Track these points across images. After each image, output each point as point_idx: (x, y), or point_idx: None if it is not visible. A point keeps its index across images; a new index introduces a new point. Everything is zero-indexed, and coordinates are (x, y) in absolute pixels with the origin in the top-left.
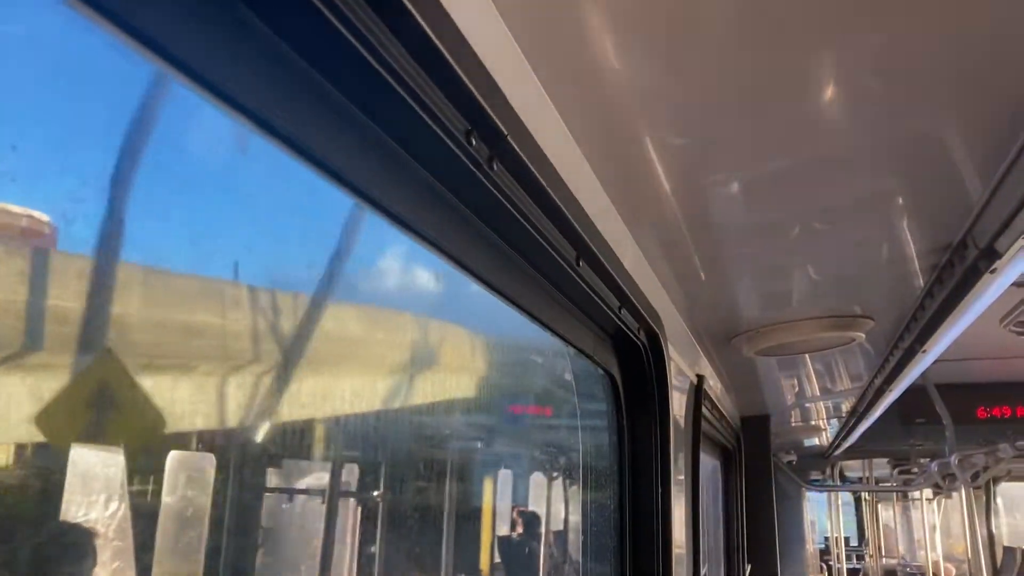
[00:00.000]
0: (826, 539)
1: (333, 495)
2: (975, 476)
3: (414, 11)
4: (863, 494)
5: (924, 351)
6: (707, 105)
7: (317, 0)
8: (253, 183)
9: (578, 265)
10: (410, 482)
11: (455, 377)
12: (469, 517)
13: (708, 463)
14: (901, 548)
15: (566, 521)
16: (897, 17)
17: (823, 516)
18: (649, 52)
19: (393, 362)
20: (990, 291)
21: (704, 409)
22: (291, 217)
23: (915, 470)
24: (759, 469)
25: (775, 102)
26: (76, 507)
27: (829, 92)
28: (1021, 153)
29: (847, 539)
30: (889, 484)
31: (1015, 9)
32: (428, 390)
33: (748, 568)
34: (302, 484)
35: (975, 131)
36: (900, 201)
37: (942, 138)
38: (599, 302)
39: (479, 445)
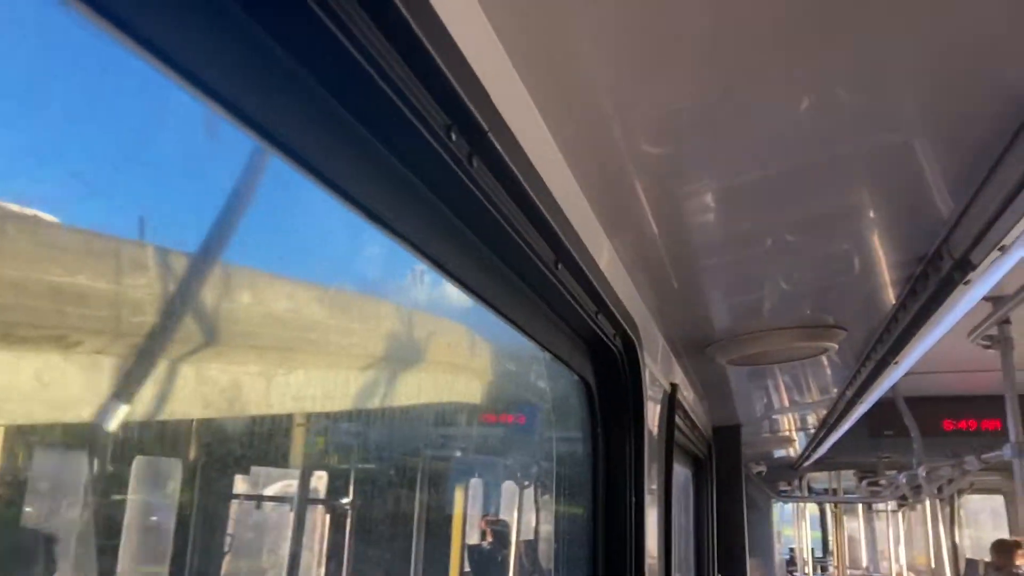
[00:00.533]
0: (791, 550)
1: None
2: (940, 488)
3: (398, 1)
4: (828, 506)
5: (896, 363)
6: (682, 115)
7: None
8: (221, 170)
9: (556, 268)
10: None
11: (425, 377)
12: (439, 526)
13: (680, 472)
14: (865, 559)
15: (538, 530)
16: (871, 32)
17: (789, 527)
18: (628, 60)
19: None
20: (963, 302)
21: (677, 418)
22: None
23: (882, 482)
24: (730, 479)
25: (749, 114)
26: None
27: (803, 105)
28: (997, 165)
29: (811, 550)
30: (856, 495)
31: (989, 27)
32: (384, 390)
33: None
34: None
35: (950, 144)
36: (873, 213)
37: (916, 151)
38: (576, 307)
39: (453, 452)
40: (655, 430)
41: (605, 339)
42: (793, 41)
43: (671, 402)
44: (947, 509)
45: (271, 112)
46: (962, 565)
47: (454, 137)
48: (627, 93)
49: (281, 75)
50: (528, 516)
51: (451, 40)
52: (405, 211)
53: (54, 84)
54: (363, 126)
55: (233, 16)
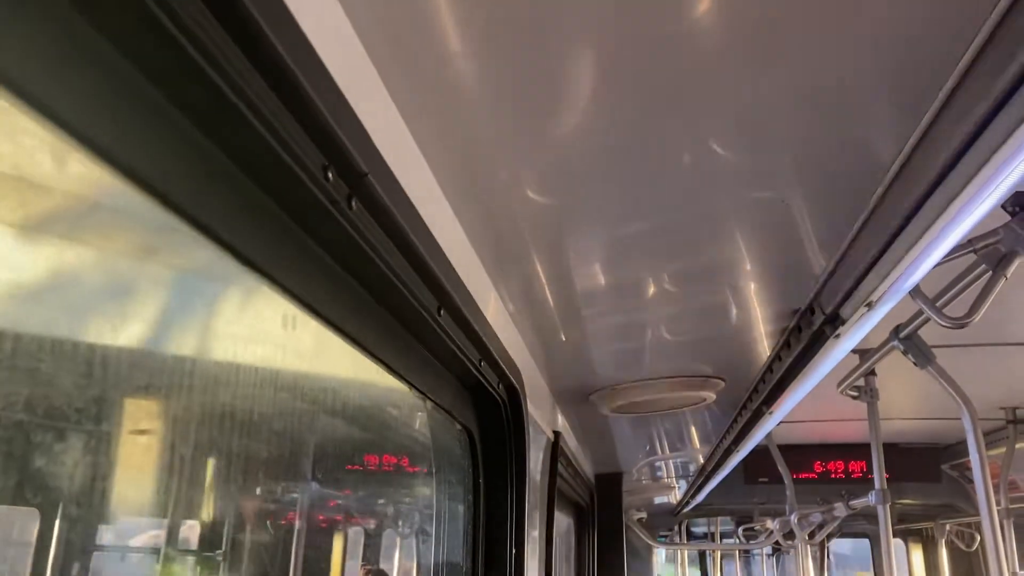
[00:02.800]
0: None
1: None
2: (812, 534)
3: (268, 31)
4: (707, 550)
5: (771, 412)
6: (566, 166)
7: (160, 12)
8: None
9: (439, 315)
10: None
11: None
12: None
13: (562, 520)
14: None
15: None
16: (746, 94)
17: (669, 571)
18: (516, 109)
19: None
20: (834, 355)
21: (560, 466)
22: None
23: (758, 527)
24: (611, 527)
25: (631, 168)
26: None
27: (683, 160)
28: (863, 225)
29: None
30: (733, 541)
31: (850, 95)
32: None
33: None
34: None
35: (820, 203)
36: (750, 266)
37: (790, 209)
38: (459, 355)
39: (328, 492)
40: (538, 479)
41: (489, 387)
42: (675, 97)
43: (554, 450)
44: (818, 554)
45: (131, 144)
46: None
47: (331, 177)
48: (513, 142)
49: (145, 107)
50: (408, 564)
51: (328, 76)
52: (278, 253)
53: None
54: (233, 162)
55: (89, 41)
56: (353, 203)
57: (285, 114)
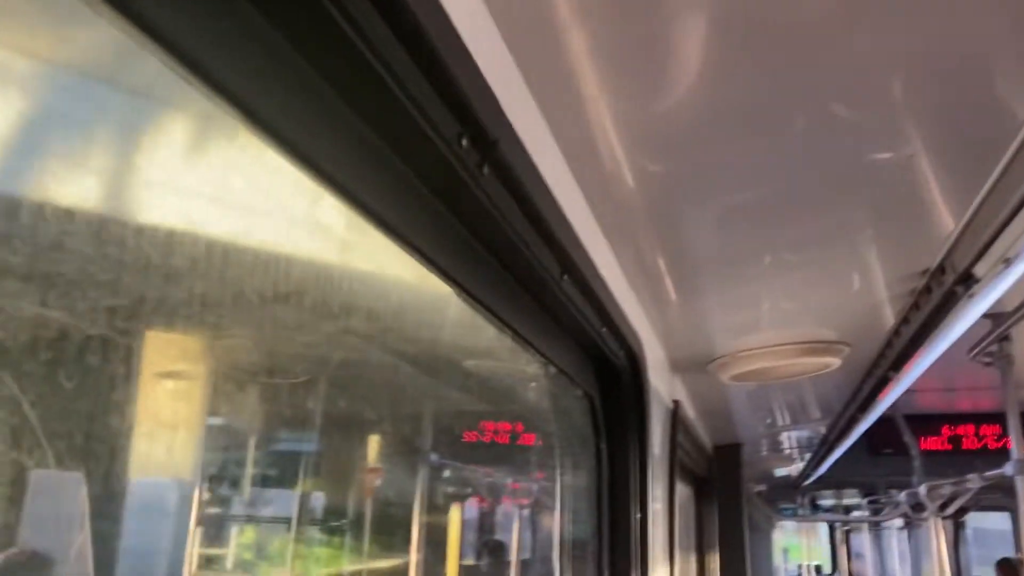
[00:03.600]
0: (799, 567)
1: None
2: (943, 506)
3: (414, 8)
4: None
5: (898, 379)
6: (682, 135)
7: None
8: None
9: (562, 281)
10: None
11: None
12: (435, 544)
13: (681, 491)
14: None
15: (545, 546)
16: (868, 47)
17: (796, 544)
18: (631, 80)
19: None
20: (966, 317)
21: (679, 436)
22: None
23: (884, 500)
24: (731, 498)
25: (747, 131)
26: None
27: (801, 120)
28: (1000, 177)
29: (819, 567)
30: (859, 514)
31: (983, 41)
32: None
33: None
34: None
35: (950, 157)
36: (874, 228)
37: (916, 165)
38: (581, 321)
39: (448, 463)
40: (658, 447)
41: (609, 354)
42: (791, 56)
43: (674, 420)
44: (952, 527)
45: (282, 114)
46: None
47: (464, 144)
48: (629, 113)
49: (293, 77)
50: (526, 534)
51: (464, 48)
52: (413, 217)
53: None
54: (373, 130)
55: (247, 16)
56: (484, 169)
57: (424, 83)
